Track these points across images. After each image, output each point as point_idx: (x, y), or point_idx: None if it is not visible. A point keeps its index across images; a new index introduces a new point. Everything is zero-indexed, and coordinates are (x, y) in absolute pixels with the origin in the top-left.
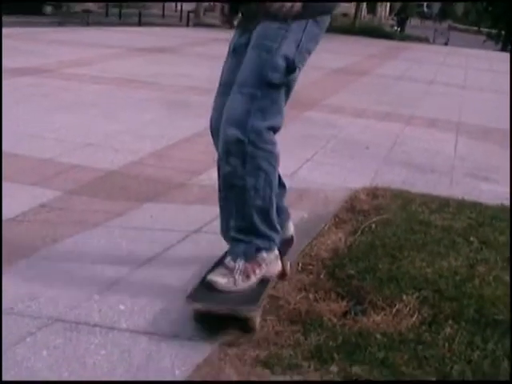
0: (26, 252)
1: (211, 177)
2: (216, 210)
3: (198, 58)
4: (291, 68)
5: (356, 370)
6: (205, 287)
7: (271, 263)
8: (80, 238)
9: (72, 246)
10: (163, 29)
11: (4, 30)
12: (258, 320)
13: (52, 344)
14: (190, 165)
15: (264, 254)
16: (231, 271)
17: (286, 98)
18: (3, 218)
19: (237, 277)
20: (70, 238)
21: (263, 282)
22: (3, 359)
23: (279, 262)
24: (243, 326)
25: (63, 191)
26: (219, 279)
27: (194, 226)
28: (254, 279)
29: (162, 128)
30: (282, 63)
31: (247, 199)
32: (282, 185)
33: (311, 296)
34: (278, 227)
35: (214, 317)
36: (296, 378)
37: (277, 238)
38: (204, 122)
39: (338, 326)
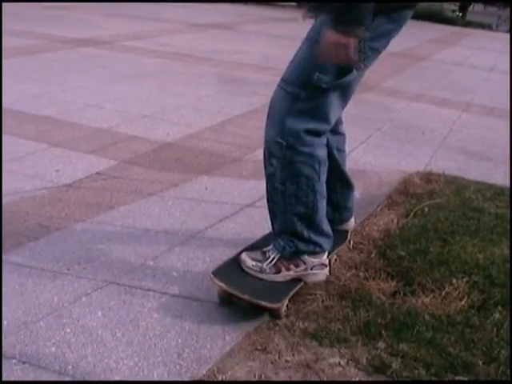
0: (82, 217)
1: None
2: None
3: (256, 36)
4: (345, 70)
5: (403, 347)
6: (235, 263)
7: (314, 268)
8: (135, 206)
9: (127, 214)
10: (221, 5)
11: (64, 3)
12: (282, 310)
13: (107, 305)
14: (245, 140)
15: (306, 257)
16: (264, 259)
17: (343, 101)
18: (61, 183)
19: (265, 266)
20: (125, 205)
21: (296, 281)
22: (59, 315)
23: (325, 271)
24: (267, 312)
25: (119, 161)
26: (248, 260)
27: (247, 200)
28: (284, 275)
29: (218, 103)
30: (332, 65)
31: (288, 206)
32: (349, 185)
33: (361, 274)
34: (329, 231)
35: (236, 298)
36: (344, 351)
37: (326, 243)
38: (259, 99)
39: (387, 304)
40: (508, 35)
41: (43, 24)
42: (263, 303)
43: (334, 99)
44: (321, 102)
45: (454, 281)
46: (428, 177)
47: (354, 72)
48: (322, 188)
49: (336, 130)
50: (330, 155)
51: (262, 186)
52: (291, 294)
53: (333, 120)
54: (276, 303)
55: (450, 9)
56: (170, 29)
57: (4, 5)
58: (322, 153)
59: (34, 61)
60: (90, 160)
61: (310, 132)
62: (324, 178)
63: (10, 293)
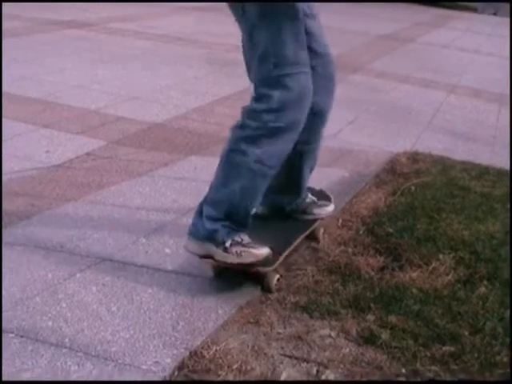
0: (73, 196)
1: None
2: None
3: None
4: None
5: (392, 319)
6: None
7: None
8: (125, 185)
9: (118, 193)
10: None
11: None
12: (273, 280)
13: (101, 281)
14: (233, 121)
15: None
16: None
17: None
18: (51, 163)
19: None
20: (115, 185)
21: (286, 244)
22: (54, 291)
23: None
24: (260, 283)
25: (108, 141)
26: None
27: None
28: None
29: (206, 84)
30: None
31: None
32: None
33: (350, 250)
34: None
35: (230, 271)
36: (334, 323)
37: None
38: (246, 81)
39: (376, 278)
40: (495, 18)
41: (29, 6)
42: (255, 268)
43: None
44: None
45: (441, 256)
46: (415, 156)
47: None
48: None
49: None
50: None
51: None
52: (281, 258)
53: None
54: (268, 267)
55: None
56: (158, 11)
57: None
58: None
59: (20, 43)
60: (80, 141)
61: None
62: None
63: (5, 270)
